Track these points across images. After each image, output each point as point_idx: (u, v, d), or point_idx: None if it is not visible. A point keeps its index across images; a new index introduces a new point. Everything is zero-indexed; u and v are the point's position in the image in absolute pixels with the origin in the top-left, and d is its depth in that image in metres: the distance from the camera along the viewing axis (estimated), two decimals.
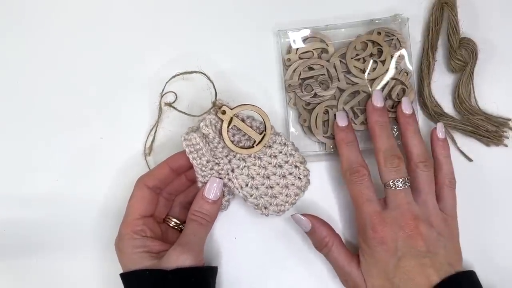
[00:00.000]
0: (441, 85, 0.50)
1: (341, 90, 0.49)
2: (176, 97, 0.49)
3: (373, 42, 0.49)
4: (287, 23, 0.51)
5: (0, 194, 0.51)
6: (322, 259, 0.48)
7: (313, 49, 0.50)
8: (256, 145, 0.45)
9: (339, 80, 0.49)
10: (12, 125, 0.52)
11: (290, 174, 0.46)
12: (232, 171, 0.45)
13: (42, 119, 0.52)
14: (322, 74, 0.49)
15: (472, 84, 0.49)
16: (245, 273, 0.49)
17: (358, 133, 0.49)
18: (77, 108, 0.51)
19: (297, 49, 0.50)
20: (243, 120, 0.44)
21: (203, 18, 0.52)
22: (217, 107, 0.44)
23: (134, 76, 0.51)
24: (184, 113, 0.47)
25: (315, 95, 0.49)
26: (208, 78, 0.46)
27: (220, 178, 0.45)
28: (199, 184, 0.45)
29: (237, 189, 0.45)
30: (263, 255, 0.49)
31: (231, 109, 0.44)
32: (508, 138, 0.49)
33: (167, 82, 0.48)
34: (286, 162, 0.46)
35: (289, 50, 0.50)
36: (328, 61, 0.49)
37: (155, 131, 0.50)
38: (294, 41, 0.50)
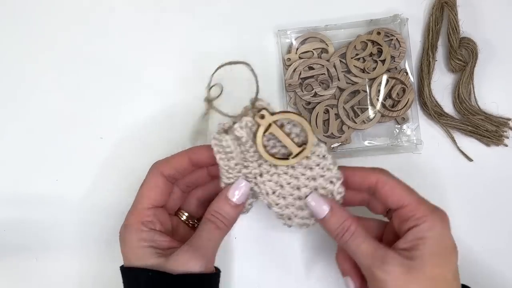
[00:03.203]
0: (441, 85, 0.50)
1: (341, 90, 0.49)
2: (222, 91, 0.43)
3: (373, 42, 0.49)
4: (287, 23, 0.51)
5: (0, 194, 0.51)
6: (322, 260, 0.48)
7: (313, 49, 0.50)
8: (292, 158, 0.39)
9: (339, 80, 0.49)
10: (12, 125, 0.52)
11: (324, 188, 0.40)
12: (261, 175, 0.40)
13: (42, 119, 0.51)
14: (322, 74, 0.49)
15: (472, 84, 0.49)
16: (245, 273, 0.49)
17: (359, 132, 0.49)
18: (77, 108, 0.51)
19: (297, 48, 0.50)
20: (282, 126, 0.39)
21: (203, 18, 0.52)
22: (256, 109, 0.38)
23: (134, 77, 0.51)
24: (224, 113, 0.41)
25: (315, 94, 0.49)
26: (253, 72, 0.40)
27: (247, 181, 0.41)
28: (222, 185, 0.41)
29: (262, 195, 0.41)
30: (263, 255, 0.49)
31: (272, 115, 0.38)
32: (508, 138, 0.49)
33: (213, 74, 0.41)
34: (322, 176, 0.40)
35: (289, 50, 0.50)
36: (328, 60, 0.49)
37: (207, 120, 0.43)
38: (294, 41, 0.50)
